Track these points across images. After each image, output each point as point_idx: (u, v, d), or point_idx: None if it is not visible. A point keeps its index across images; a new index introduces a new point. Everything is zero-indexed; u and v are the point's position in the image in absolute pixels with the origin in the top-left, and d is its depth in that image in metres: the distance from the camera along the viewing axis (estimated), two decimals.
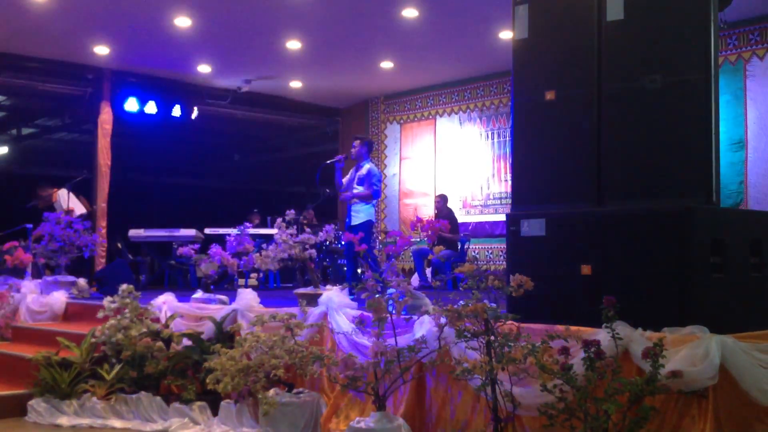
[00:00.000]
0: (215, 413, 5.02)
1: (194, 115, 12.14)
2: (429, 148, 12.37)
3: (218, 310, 5.85)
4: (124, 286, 5.97)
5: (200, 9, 8.69)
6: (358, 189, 7.87)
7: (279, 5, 8.48)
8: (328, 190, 8.72)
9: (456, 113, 12.01)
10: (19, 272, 8.47)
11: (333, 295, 5.23)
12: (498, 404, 3.72)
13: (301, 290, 5.92)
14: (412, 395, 4.48)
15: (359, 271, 8.41)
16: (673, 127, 3.97)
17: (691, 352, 3.34)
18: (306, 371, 4.67)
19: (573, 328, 3.62)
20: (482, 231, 11.45)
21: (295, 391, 4.95)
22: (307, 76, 11.72)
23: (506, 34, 9.09)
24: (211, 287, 6.66)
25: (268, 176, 18.40)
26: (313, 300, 5.38)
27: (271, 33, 9.54)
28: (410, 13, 8.67)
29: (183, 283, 11.02)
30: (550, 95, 4.36)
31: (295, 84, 12.15)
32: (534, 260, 4.17)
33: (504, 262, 8.14)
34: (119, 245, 11.20)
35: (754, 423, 3.48)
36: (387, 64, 11.00)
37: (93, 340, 5.75)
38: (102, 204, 11.05)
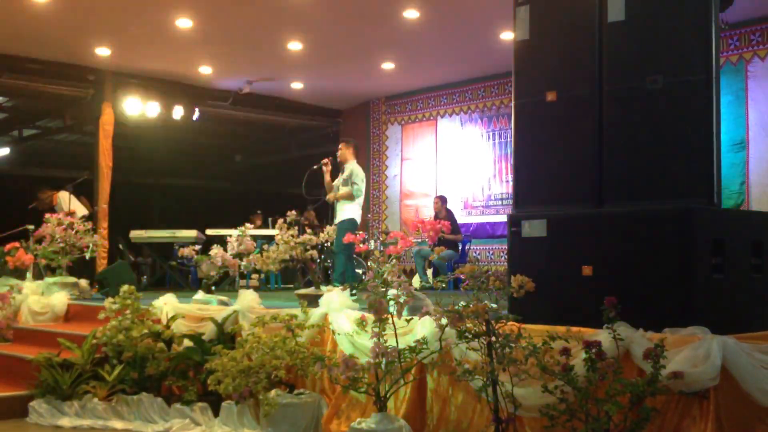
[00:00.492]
0: (216, 414, 5.02)
1: (195, 116, 12.15)
2: (430, 148, 12.38)
3: (219, 311, 5.85)
4: (125, 287, 5.97)
5: (201, 10, 8.70)
6: (343, 189, 8.18)
7: (280, 6, 8.48)
8: (320, 198, 8.79)
9: (457, 114, 12.02)
10: (20, 273, 8.47)
11: (334, 295, 5.22)
12: (499, 405, 3.72)
13: (302, 291, 5.92)
14: (413, 396, 4.48)
15: (359, 271, 8.44)
16: (674, 127, 3.97)
17: (692, 353, 3.34)
18: (307, 372, 4.67)
19: (574, 328, 3.62)
20: (483, 232, 11.46)
21: (296, 392, 4.95)
22: (308, 77, 11.73)
23: (507, 35, 9.10)
24: (212, 288, 6.66)
25: (269, 177, 18.40)
26: (314, 301, 5.38)
27: (272, 34, 9.55)
28: (411, 14, 8.68)
29: (184, 284, 11.03)
30: (551, 96, 4.36)
31: (297, 85, 12.16)
32: (535, 261, 4.17)
33: (505, 263, 8.15)
34: (120, 246, 11.20)
35: (756, 424, 3.48)
36: (388, 65, 11.01)
37: (94, 341, 5.75)
38: (103, 205, 11.06)
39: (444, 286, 4.46)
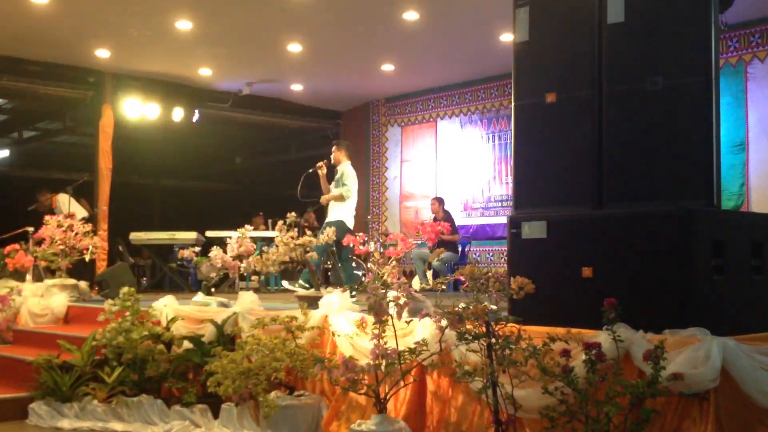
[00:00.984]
0: (216, 416, 5.02)
1: (195, 118, 12.15)
2: (430, 150, 12.39)
3: (219, 312, 5.84)
4: (125, 289, 5.98)
5: (201, 12, 8.71)
6: (334, 191, 8.27)
7: (280, 8, 8.49)
8: (316, 201, 8.82)
9: (457, 116, 12.02)
10: (20, 275, 8.47)
11: (334, 297, 5.22)
12: (499, 407, 3.71)
13: (302, 293, 5.92)
14: (413, 398, 4.48)
15: (359, 273, 8.45)
16: (674, 129, 3.96)
17: (692, 354, 3.34)
18: (307, 374, 4.67)
19: (574, 330, 3.62)
20: (483, 233, 11.46)
21: (296, 393, 4.95)
22: (308, 78, 11.74)
23: (507, 37, 9.10)
24: (212, 290, 6.66)
25: (269, 179, 18.40)
26: (313, 302, 5.38)
27: (272, 36, 9.55)
28: (411, 15, 8.68)
29: (184, 285, 11.03)
30: (551, 98, 4.35)
31: (296, 87, 12.16)
32: (535, 262, 4.17)
33: (505, 265, 8.15)
34: (120, 248, 11.20)
35: (756, 425, 3.47)
36: (388, 67, 11.01)
37: (94, 343, 5.75)
38: (103, 207, 11.05)
39: (444, 287, 4.46)
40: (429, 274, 10.39)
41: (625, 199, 4.06)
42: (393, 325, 4.26)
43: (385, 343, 4.17)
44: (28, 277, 8.50)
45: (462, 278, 3.92)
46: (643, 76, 4.01)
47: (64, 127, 13.70)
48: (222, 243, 6.74)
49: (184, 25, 9.02)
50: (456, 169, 11.92)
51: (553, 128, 4.37)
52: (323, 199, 8.39)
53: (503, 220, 10.89)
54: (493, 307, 3.78)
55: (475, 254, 11.36)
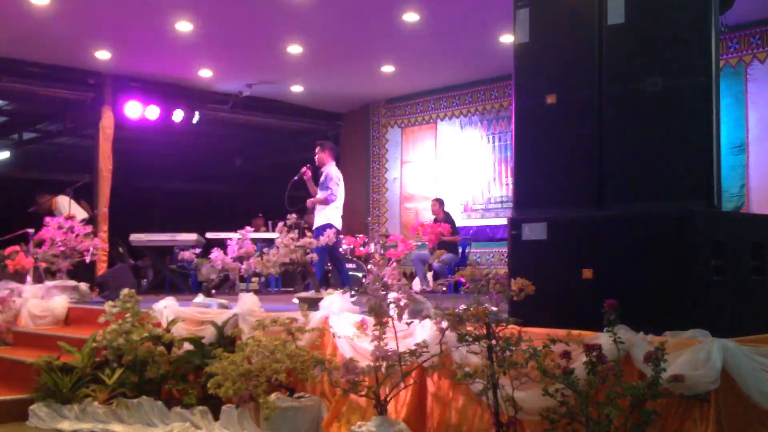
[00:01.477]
0: (216, 418, 5.01)
1: (195, 119, 12.15)
2: (430, 152, 12.39)
3: (219, 314, 5.84)
4: (125, 291, 5.97)
5: (201, 13, 8.71)
6: (319, 194, 8.17)
7: (280, 9, 8.49)
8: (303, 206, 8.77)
9: (457, 117, 12.02)
10: (20, 277, 8.47)
11: (334, 299, 5.22)
12: (499, 409, 3.71)
13: (302, 294, 5.91)
14: (414, 400, 4.48)
15: (359, 274, 8.44)
16: (674, 130, 3.97)
17: (693, 356, 3.33)
18: (307, 376, 4.66)
19: (574, 332, 3.62)
20: (483, 235, 11.45)
21: (296, 395, 4.95)
22: (308, 80, 11.74)
23: (507, 38, 9.10)
24: (213, 291, 6.65)
25: (270, 180, 18.38)
26: (314, 304, 5.38)
27: (272, 37, 9.56)
28: (411, 17, 8.69)
29: (184, 287, 11.02)
30: (551, 99, 4.35)
31: (296, 88, 12.17)
32: (535, 264, 4.17)
33: (505, 266, 8.15)
34: (120, 249, 11.21)
35: (757, 427, 3.47)
36: (388, 68, 11.02)
37: (94, 344, 5.74)
38: (103, 208, 11.06)
39: (444, 289, 4.46)
40: (429, 275, 10.38)
41: (625, 201, 4.06)
42: (393, 326, 4.26)
43: (386, 345, 4.17)
44: (29, 278, 8.50)
45: (462, 280, 3.92)
46: (644, 77, 4.01)
47: (64, 128, 13.70)
48: (222, 244, 6.74)
49: (184, 26, 9.03)
50: (456, 171, 11.91)
51: (554, 129, 4.37)
52: (309, 202, 8.30)
53: (503, 221, 10.89)
54: (494, 308, 3.78)
55: (476, 256, 11.35)
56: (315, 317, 5.14)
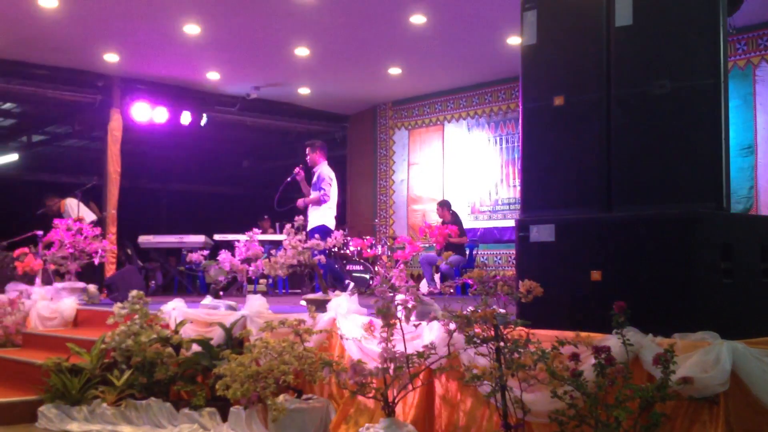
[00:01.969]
0: (225, 419, 5.03)
1: (203, 121, 12.19)
2: (437, 153, 12.38)
3: (227, 316, 5.86)
4: (134, 293, 5.99)
5: (209, 16, 8.74)
6: (312, 194, 8.11)
7: (287, 12, 8.51)
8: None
9: (464, 119, 12.02)
10: (29, 279, 8.52)
11: (342, 300, 5.23)
12: (508, 411, 3.71)
13: (310, 296, 5.92)
14: (422, 401, 4.48)
15: (366, 276, 8.44)
16: (683, 132, 3.96)
17: (702, 358, 3.33)
18: (315, 377, 4.67)
19: (583, 334, 3.61)
20: (491, 237, 11.44)
21: (304, 397, 4.95)
22: (315, 82, 11.76)
23: (514, 40, 9.10)
24: (220, 293, 6.67)
25: (277, 182, 18.41)
26: (322, 306, 5.38)
27: (279, 40, 9.57)
28: (418, 19, 8.69)
29: (192, 289, 11.05)
30: (558, 101, 4.35)
31: (304, 90, 12.19)
32: (543, 266, 4.16)
33: (513, 268, 8.14)
34: (129, 251, 11.24)
35: (766, 429, 3.46)
36: (395, 70, 11.02)
37: (103, 346, 5.77)
38: (112, 210, 11.09)
39: (452, 291, 4.46)
40: (437, 277, 10.37)
41: (633, 202, 4.06)
42: (401, 328, 4.26)
43: (394, 347, 4.18)
44: (38, 280, 8.54)
45: (470, 281, 3.92)
46: (651, 79, 4.01)
47: (72, 131, 13.77)
48: (230, 246, 6.76)
49: (192, 29, 9.05)
50: (463, 172, 11.91)
51: (561, 131, 4.37)
52: (299, 202, 8.20)
53: (511, 223, 10.88)
54: (502, 310, 3.78)
55: (483, 258, 11.34)
56: (323, 319, 5.15)
